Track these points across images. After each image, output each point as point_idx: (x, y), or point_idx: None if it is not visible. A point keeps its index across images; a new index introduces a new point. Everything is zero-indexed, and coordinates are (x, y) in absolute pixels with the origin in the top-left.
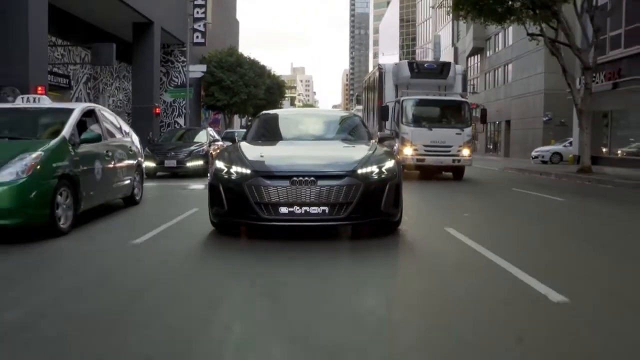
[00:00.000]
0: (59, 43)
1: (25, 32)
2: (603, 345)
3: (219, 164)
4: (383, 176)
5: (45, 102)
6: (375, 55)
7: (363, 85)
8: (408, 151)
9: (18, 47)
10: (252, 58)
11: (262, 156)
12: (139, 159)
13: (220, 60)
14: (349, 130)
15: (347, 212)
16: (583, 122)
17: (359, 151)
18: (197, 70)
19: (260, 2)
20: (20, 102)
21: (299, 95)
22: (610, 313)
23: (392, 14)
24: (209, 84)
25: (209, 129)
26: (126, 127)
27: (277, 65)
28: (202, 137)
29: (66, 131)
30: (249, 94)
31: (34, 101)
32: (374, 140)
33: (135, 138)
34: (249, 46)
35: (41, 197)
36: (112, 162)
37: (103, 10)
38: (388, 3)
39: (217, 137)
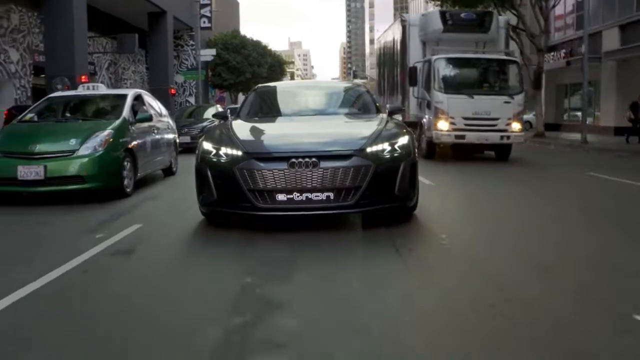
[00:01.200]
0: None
1: (71, 32)
2: None
3: (206, 145)
4: (396, 154)
5: (102, 89)
6: (372, 29)
7: (377, 47)
8: (443, 125)
9: (65, 45)
10: (254, 39)
11: (255, 135)
12: (174, 136)
13: (226, 42)
14: (354, 103)
15: (356, 198)
16: (537, 96)
17: (368, 126)
18: (207, 54)
19: None
20: (82, 90)
21: (297, 70)
22: None
23: None
24: (216, 65)
25: (217, 105)
26: (163, 109)
27: (275, 40)
28: (211, 113)
29: (125, 112)
30: (253, 73)
31: (93, 88)
32: (383, 114)
33: (170, 118)
34: (246, 21)
35: (113, 166)
36: (157, 139)
37: (122, 3)
38: None
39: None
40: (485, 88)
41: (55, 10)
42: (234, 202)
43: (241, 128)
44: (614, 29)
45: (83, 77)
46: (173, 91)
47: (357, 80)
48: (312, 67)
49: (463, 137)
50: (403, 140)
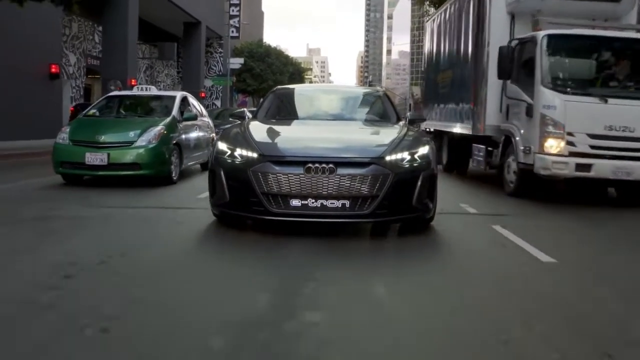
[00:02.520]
0: None
1: (125, 41)
2: None
3: (222, 146)
4: (415, 164)
5: (154, 90)
6: (389, 40)
7: (428, 31)
8: (556, 146)
9: (119, 52)
10: (278, 49)
11: (272, 137)
12: (213, 134)
13: (252, 50)
14: (373, 109)
15: (372, 208)
16: None
17: (387, 134)
18: (236, 62)
19: None
20: (137, 91)
21: (314, 76)
22: None
23: (405, 2)
24: (241, 71)
25: (245, 109)
26: (203, 110)
27: (294, 46)
28: None
29: (175, 111)
30: (275, 80)
31: (147, 90)
32: (403, 122)
33: (209, 118)
34: (267, 25)
35: (164, 156)
36: (199, 136)
37: (162, 14)
38: None
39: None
40: (628, 88)
41: (112, 23)
42: (246, 205)
43: (258, 129)
44: None
45: (133, 80)
46: (203, 94)
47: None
48: (330, 74)
49: (589, 167)
50: (423, 150)
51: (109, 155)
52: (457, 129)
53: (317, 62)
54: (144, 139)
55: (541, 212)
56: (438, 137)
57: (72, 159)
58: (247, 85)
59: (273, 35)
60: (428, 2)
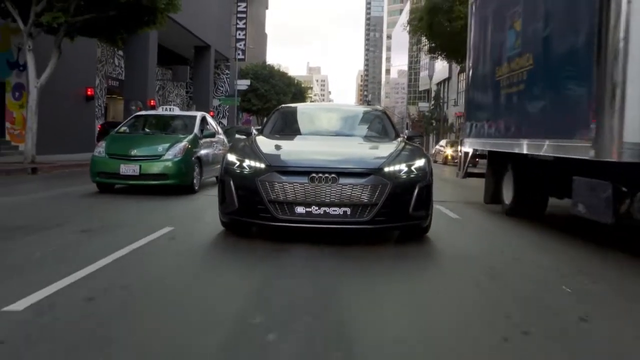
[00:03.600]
0: None
1: (146, 65)
2: None
3: (231, 157)
4: (412, 176)
5: (176, 110)
6: (388, 60)
7: (474, 14)
8: None
9: (140, 75)
10: (281, 70)
11: (278, 150)
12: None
13: (256, 72)
14: (373, 127)
15: (372, 215)
16: None
17: (386, 148)
18: (243, 84)
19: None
20: (161, 111)
21: (314, 95)
22: None
23: (406, 16)
24: (246, 91)
25: (251, 127)
26: (219, 128)
27: (294, 64)
28: None
29: (196, 129)
30: (278, 100)
31: (170, 110)
32: (401, 138)
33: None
34: (268, 43)
35: (188, 168)
36: (215, 151)
37: (175, 39)
38: (401, 11)
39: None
40: None
41: (135, 49)
42: (254, 212)
43: (265, 143)
44: None
45: (152, 100)
46: (212, 113)
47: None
48: (330, 92)
49: None
50: (420, 162)
51: (140, 166)
52: (546, 149)
53: (317, 80)
54: (171, 153)
55: None
56: (495, 162)
57: (108, 169)
58: (252, 105)
59: (274, 53)
60: (420, 32)
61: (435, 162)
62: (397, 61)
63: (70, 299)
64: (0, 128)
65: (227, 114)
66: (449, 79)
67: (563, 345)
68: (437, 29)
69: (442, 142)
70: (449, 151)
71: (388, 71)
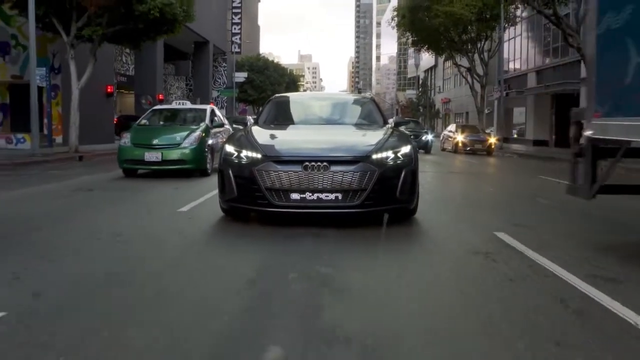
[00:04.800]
0: None
1: (154, 63)
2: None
3: (229, 148)
4: (399, 162)
5: (188, 104)
6: (378, 47)
7: None
8: None
9: (150, 73)
10: (275, 62)
11: (273, 140)
12: None
13: (252, 64)
14: (363, 114)
15: (361, 199)
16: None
17: (374, 136)
18: (240, 76)
19: None
20: (175, 105)
21: (306, 83)
22: None
23: (391, 12)
24: (242, 83)
25: (249, 117)
26: (225, 119)
27: (285, 52)
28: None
29: (207, 120)
30: (273, 90)
31: (183, 104)
32: (389, 125)
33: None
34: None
35: (203, 155)
36: (222, 139)
37: (178, 36)
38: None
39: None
40: None
41: (144, 47)
42: (252, 199)
43: (260, 134)
44: (532, 73)
45: (160, 95)
46: (212, 104)
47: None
48: (321, 80)
49: None
50: (405, 149)
51: (162, 153)
52: None
53: (308, 68)
54: (187, 141)
55: None
56: None
57: (134, 157)
58: (249, 96)
59: (266, 42)
60: (403, 28)
61: (444, 149)
62: (387, 47)
63: (199, 210)
64: (40, 124)
65: (225, 104)
66: (435, 66)
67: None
68: (419, 24)
69: (451, 127)
70: (459, 137)
71: (378, 58)
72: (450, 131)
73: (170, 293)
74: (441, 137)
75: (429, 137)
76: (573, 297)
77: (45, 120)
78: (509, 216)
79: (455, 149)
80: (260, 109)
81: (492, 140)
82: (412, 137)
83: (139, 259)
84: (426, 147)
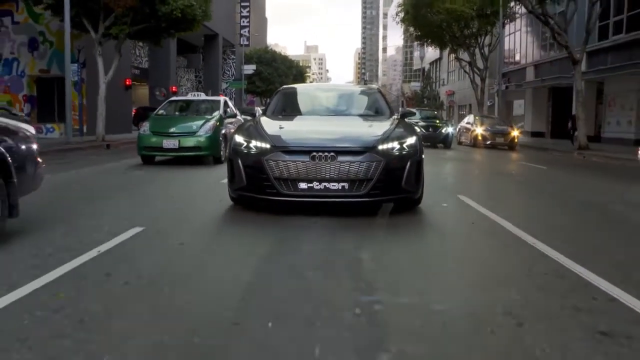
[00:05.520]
0: None
1: (167, 56)
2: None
3: (238, 138)
4: (404, 152)
5: (202, 95)
6: (385, 38)
7: None
8: None
9: (163, 66)
10: (282, 54)
11: (281, 131)
12: None
13: (260, 56)
14: (369, 105)
15: (367, 189)
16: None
17: (380, 127)
18: (249, 68)
19: None
20: (190, 96)
21: (312, 74)
22: None
23: (395, 8)
24: (251, 75)
25: (257, 108)
26: (235, 110)
27: (291, 43)
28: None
29: (221, 110)
30: (281, 82)
31: (197, 95)
32: (395, 116)
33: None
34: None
35: (217, 142)
36: (234, 129)
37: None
38: None
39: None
40: None
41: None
42: (261, 188)
43: (269, 124)
44: (530, 67)
45: (174, 87)
46: (221, 95)
47: (372, 86)
48: (327, 70)
49: None
50: (411, 140)
51: (179, 141)
52: None
53: (315, 59)
54: (203, 130)
55: None
56: None
57: (153, 144)
58: (257, 87)
59: (272, 33)
60: (407, 23)
61: (460, 143)
62: (394, 39)
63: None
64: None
65: (233, 96)
66: (439, 59)
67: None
68: (422, 20)
69: (469, 118)
70: (479, 130)
71: (385, 49)
72: (468, 123)
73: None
74: (457, 130)
75: (450, 130)
76: (491, 227)
77: (75, 112)
78: (477, 188)
79: (474, 143)
80: (269, 100)
81: (515, 133)
82: (430, 130)
83: (202, 199)
84: (446, 142)
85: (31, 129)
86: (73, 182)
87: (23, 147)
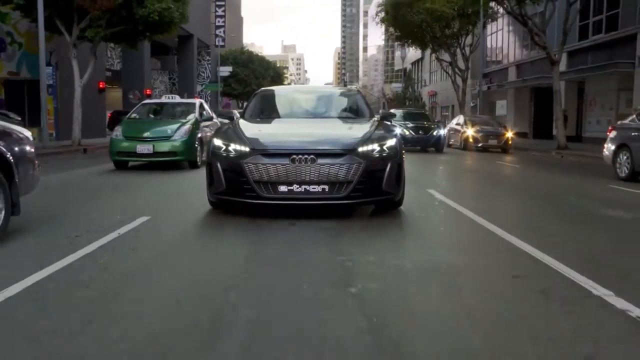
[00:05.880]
0: None
1: (142, 58)
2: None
3: (217, 142)
4: (384, 154)
5: (177, 98)
6: (365, 37)
7: None
8: None
9: (138, 69)
10: (259, 55)
11: (261, 133)
12: None
13: (236, 57)
14: (349, 107)
15: (348, 191)
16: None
17: (360, 129)
18: (225, 70)
19: None
20: (164, 99)
21: (290, 75)
22: None
23: (372, 16)
24: (227, 77)
25: (234, 110)
26: (212, 113)
27: (268, 42)
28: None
29: (197, 114)
30: (258, 84)
31: (172, 98)
32: (375, 118)
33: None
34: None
35: (193, 147)
36: (210, 132)
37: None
38: None
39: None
40: None
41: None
42: (240, 192)
43: (248, 127)
44: (512, 67)
45: (148, 90)
46: (197, 98)
47: (351, 87)
48: (306, 71)
49: None
50: (391, 142)
51: (154, 146)
52: None
53: (292, 59)
54: (178, 134)
55: None
56: None
57: (126, 149)
58: (233, 90)
59: (248, 32)
60: (387, 24)
61: (450, 146)
62: (375, 38)
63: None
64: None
65: (209, 98)
66: (421, 59)
67: None
68: (402, 20)
69: (459, 119)
70: (470, 131)
71: (365, 49)
72: (457, 124)
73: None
74: (446, 131)
75: (442, 132)
76: (454, 212)
77: (50, 116)
78: (446, 183)
79: (465, 145)
80: (246, 103)
81: (509, 134)
82: (421, 132)
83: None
84: (438, 145)
85: (27, 132)
86: (67, 184)
87: (22, 149)
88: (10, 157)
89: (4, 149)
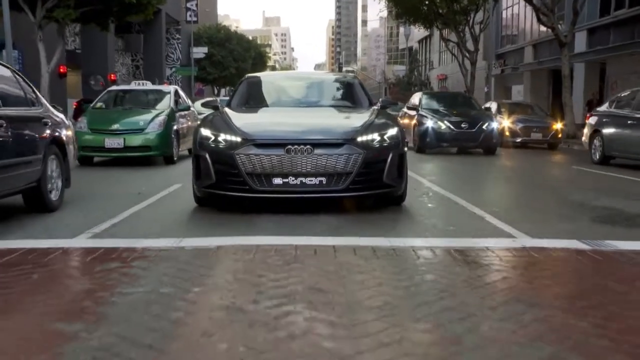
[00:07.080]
0: None
1: (104, 40)
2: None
3: (205, 132)
4: (385, 144)
5: (149, 85)
6: (365, 8)
7: None
8: None
9: (100, 51)
10: (238, 32)
11: (253, 123)
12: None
13: (211, 36)
14: (346, 95)
15: (347, 183)
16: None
17: (359, 117)
18: (199, 51)
19: None
20: (134, 86)
21: (274, 54)
22: None
23: None
24: (200, 59)
25: (216, 98)
26: (189, 101)
27: (245, 14)
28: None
29: (172, 103)
30: (237, 67)
31: (143, 84)
32: (375, 106)
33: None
34: None
35: (168, 140)
36: (189, 124)
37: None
38: None
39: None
40: None
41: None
42: (232, 185)
43: (237, 116)
44: (529, 47)
45: (113, 75)
46: (167, 84)
47: (348, 69)
48: (293, 49)
49: None
50: (392, 131)
51: (124, 139)
52: None
53: (276, 35)
54: (152, 126)
55: None
56: None
57: (93, 144)
58: (207, 74)
59: (221, 2)
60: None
61: None
62: (376, 9)
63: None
64: None
65: (180, 84)
66: (430, 36)
67: None
68: None
69: (490, 105)
70: (506, 123)
71: (365, 22)
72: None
73: None
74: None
75: (494, 124)
76: (437, 195)
77: None
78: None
79: (500, 142)
80: (232, 90)
81: (559, 125)
82: (463, 125)
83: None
84: (490, 143)
85: (65, 118)
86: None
87: (68, 133)
88: (66, 140)
89: (59, 133)
